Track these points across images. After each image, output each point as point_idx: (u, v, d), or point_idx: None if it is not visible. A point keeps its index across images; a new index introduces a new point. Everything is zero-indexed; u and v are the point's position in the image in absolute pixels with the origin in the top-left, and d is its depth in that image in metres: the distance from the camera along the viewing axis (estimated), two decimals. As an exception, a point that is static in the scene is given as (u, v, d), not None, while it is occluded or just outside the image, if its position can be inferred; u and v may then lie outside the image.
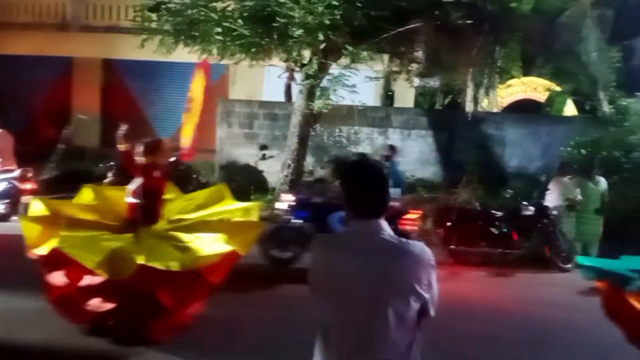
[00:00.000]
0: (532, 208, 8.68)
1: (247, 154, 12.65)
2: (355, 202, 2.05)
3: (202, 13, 8.99)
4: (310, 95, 10.29)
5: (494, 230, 8.52)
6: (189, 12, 9.22)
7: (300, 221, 7.68)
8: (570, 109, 14.37)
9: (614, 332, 3.90)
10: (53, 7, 15.33)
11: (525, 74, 14.43)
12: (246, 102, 12.98)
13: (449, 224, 8.59)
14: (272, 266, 7.44)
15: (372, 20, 8.69)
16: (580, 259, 4.30)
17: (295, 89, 11.19)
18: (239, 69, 12.52)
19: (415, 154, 12.73)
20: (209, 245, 4.68)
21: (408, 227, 7.53)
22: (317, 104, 10.33)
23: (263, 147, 11.62)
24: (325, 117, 10.73)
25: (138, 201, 5.07)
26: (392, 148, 9.74)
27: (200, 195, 5.79)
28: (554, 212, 8.65)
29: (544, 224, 8.57)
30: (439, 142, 12.71)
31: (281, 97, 13.20)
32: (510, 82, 14.36)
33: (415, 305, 1.97)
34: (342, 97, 10.19)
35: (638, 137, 10.87)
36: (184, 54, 10.31)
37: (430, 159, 12.72)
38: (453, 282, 7.56)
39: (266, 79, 13.70)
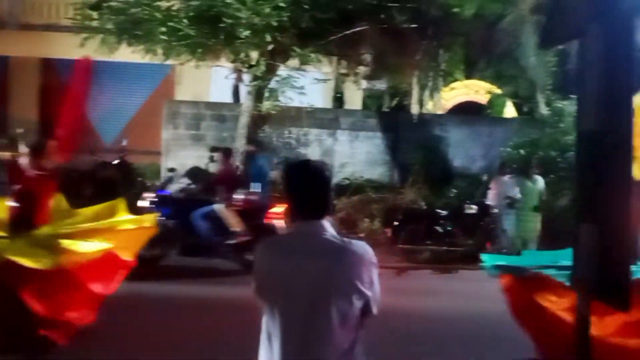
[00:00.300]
0: (474, 207, 9.00)
1: (193, 156, 12.45)
2: (297, 204, 2.07)
3: (145, 12, 8.78)
4: (258, 96, 10.25)
5: (439, 228, 8.77)
6: (132, 10, 8.98)
7: (163, 218, 7.56)
8: (510, 110, 14.94)
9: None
10: (-13, 3, 14.58)
11: (468, 77, 14.90)
12: (193, 103, 12.76)
13: (396, 223, 8.76)
14: (140, 265, 7.27)
15: (319, 22, 8.76)
16: (484, 257, 4.34)
17: (243, 90, 11.11)
18: (185, 70, 12.31)
19: (363, 155, 12.90)
20: (82, 246, 4.54)
21: (274, 221, 7.65)
22: (266, 105, 10.30)
23: (214, 149, 11.46)
24: (274, 118, 10.71)
25: (16, 204, 4.79)
26: (256, 143, 9.64)
27: (90, 210, 5.48)
28: (495, 210, 9.00)
29: (486, 221, 8.89)
30: (386, 144, 12.93)
31: (229, 98, 13.07)
32: (453, 84, 14.79)
33: (358, 304, 2.00)
34: (291, 99, 10.21)
35: (572, 137, 11.42)
36: (127, 54, 10.05)
37: (378, 160, 12.92)
38: (399, 279, 7.72)
39: (213, 80, 13.52)
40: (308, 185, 2.06)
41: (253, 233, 7.43)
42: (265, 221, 7.66)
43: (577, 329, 2.43)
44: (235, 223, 7.57)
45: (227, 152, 8.62)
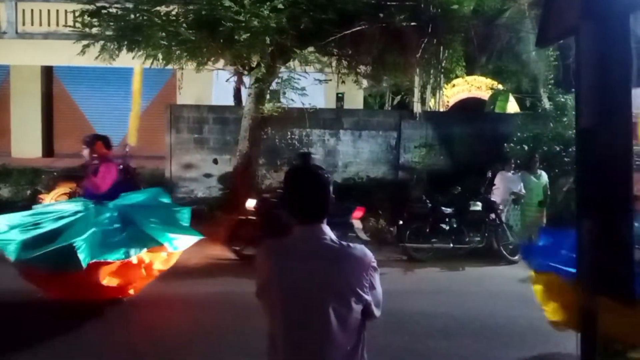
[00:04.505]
0: (479, 203, 8.95)
1: (197, 160, 12.48)
2: (296, 208, 2.07)
3: (145, 18, 8.79)
4: (259, 98, 10.25)
5: (444, 226, 8.73)
6: (132, 16, 8.99)
7: None
8: (512, 106, 14.88)
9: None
10: (-14, 13, 14.66)
11: (469, 73, 14.83)
12: (195, 106, 12.79)
13: (401, 222, 8.74)
14: None
15: (318, 23, 8.74)
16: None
17: (245, 93, 11.11)
18: (186, 74, 12.33)
19: (367, 155, 12.89)
20: None
21: None
22: (267, 107, 10.31)
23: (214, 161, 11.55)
24: (276, 120, 10.71)
25: None
26: None
27: None
28: (500, 206, 8.96)
29: (491, 218, 8.86)
30: (389, 142, 12.92)
31: (231, 101, 13.09)
32: (454, 81, 14.74)
33: (357, 308, 2.00)
34: (293, 100, 10.21)
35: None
36: (128, 60, 10.06)
37: (382, 158, 12.91)
38: (406, 278, 7.72)
39: (215, 83, 13.56)
40: (305, 189, 2.06)
41: None
42: None
43: (582, 324, 2.41)
44: None
45: None
